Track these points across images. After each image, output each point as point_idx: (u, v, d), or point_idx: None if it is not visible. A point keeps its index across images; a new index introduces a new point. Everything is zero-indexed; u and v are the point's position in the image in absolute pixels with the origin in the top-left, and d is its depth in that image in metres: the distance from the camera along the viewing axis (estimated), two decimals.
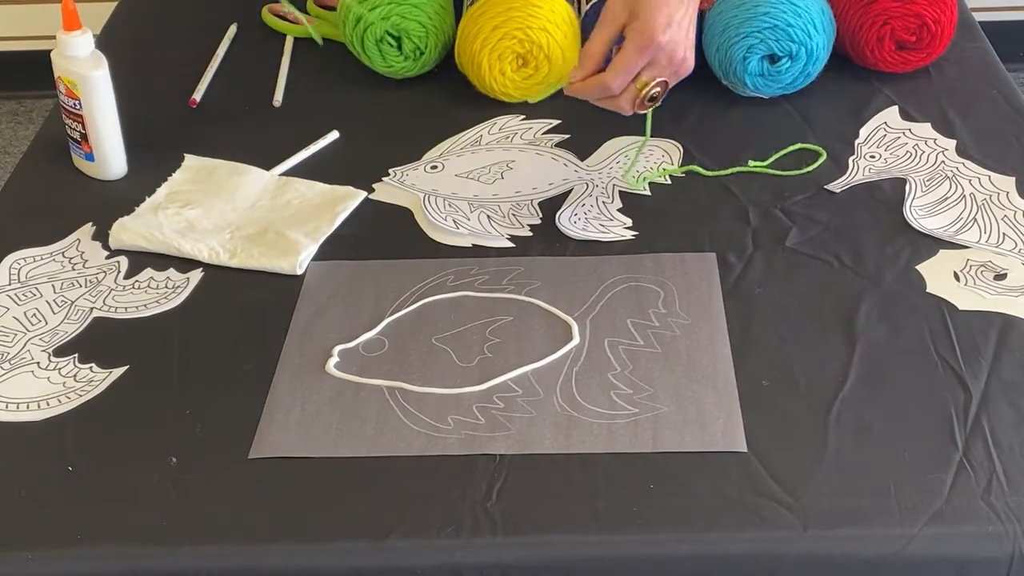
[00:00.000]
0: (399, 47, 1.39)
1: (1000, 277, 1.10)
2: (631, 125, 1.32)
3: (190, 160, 1.28)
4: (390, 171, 1.27)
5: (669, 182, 1.23)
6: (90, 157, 1.27)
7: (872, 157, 1.27)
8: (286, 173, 1.27)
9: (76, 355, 1.05)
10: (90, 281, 1.14)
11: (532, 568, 0.88)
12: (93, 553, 0.88)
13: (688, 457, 0.93)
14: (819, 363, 1.01)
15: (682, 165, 1.26)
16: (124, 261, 1.16)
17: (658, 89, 1.12)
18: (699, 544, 0.88)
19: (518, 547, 0.88)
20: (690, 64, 1.13)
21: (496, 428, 0.96)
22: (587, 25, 1.38)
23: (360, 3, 1.37)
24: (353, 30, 1.39)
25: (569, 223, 1.18)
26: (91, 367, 1.04)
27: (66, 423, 0.99)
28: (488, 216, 1.20)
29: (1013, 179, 1.23)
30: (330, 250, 1.17)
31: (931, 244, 1.14)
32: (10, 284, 1.13)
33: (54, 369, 1.04)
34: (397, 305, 1.09)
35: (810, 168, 1.25)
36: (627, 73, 1.10)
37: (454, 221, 1.19)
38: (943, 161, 1.26)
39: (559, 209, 1.20)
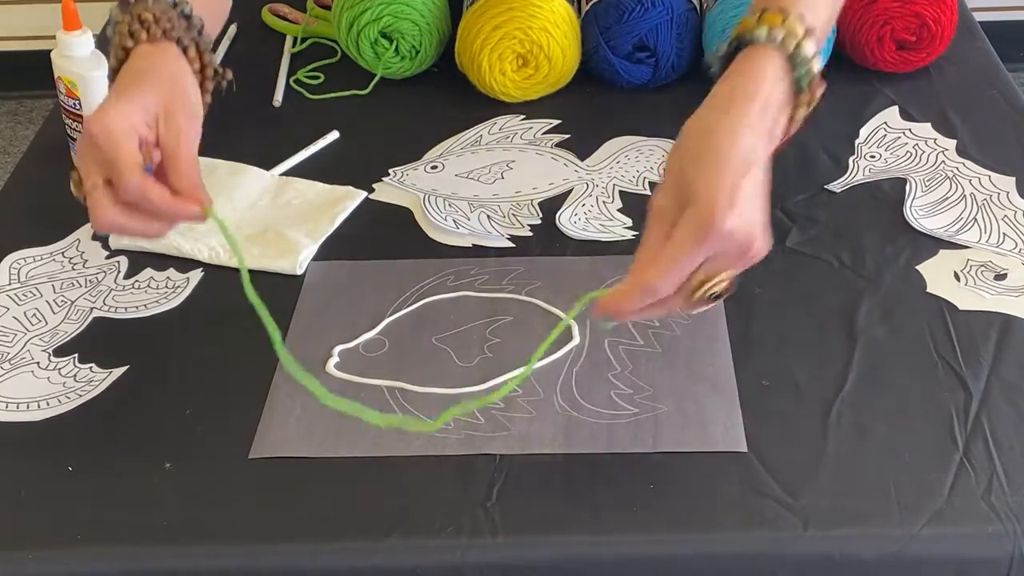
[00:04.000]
0: (395, 48, 1.39)
1: (1000, 277, 1.10)
2: (632, 126, 1.32)
3: None
4: (390, 171, 1.27)
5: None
6: None
7: (872, 157, 1.27)
8: (286, 173, 1.27)
9: (76, 355, 1.05)
10: (90, 281, 1.14)
11: (532, 568, 0.88)
12: (93, 553, 0.88)
13: (688, 457, 0.93)
14: (819, 363, 1.01)
15: None
16: (124, 261, 1.16)
17: (724, 285, 0.85)
18: (699, 544, 0.88)
19: (518, 547, 0.87)
20: (764, 247, 0.85)
21: (496, 428, 0.96)
22: (587, 25, 1.39)
23: (350, 8, 1.37)
24: (347, 34, 1.39)
25: (569, 223, 1.18)
26: (91, 367, 1.04)
27: (66, 423, 0.99)
28: (488, 216, 1.20)
29: (1013, 179, 1.23)
30: (330, 250, 1.17)
31: (931, 244, 1.14)
32: (10, 284, 1.13)
33: (54, 369, 1.04)
34: (397, 305, 1.09)
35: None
36: (681, 272, 0.84)
37: (454, 221, 1.19)
38: (943, 161, 1.26)
39: (559, 209, 1.20)
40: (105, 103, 0.93)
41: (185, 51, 0.98)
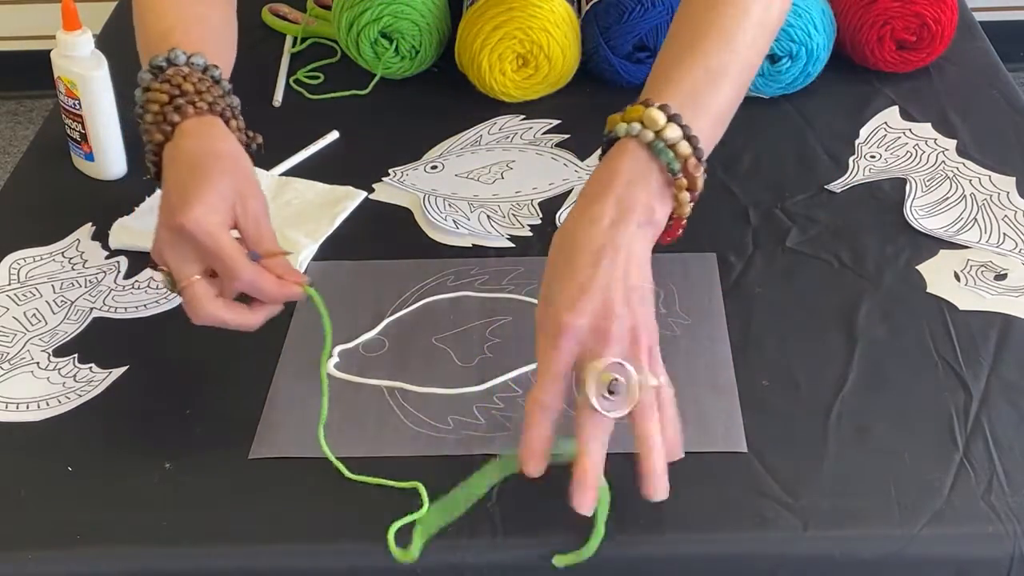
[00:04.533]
0: (395, 48, 1.39)
1: (1000, 277, 1.10)
2: None
3: None
4: (390, 171, 1.27)
5: None
6: (90, 157, 1.27)
7: (872, 157, 1.27)
8: (286, 173, 1.27)
9: (76, 355, 1.05)
10: (90, 281, 1.14)
11: (532, 568, 0.87)
12: (93, 553, 0.88)
13: (688, 457, 0.93)
14: (819, 363, 1.01)
15: None
16: (124, 261, 1.16)
17: (616, 376, 0.84)
18: (699, 544, 0.88)
19: (518, 547, 0.87)
20: (645, 324, 0.87)
21: (496, 428, 0.96)
22: (587, 25, 1.39)
23: (350, 8, 1.38)
24: (347, 34, 1.39)
25: None
26: (91, 367, 1.04)
27: (66, 423, 0.99)
28: (488, 216, 1.20)
29: (1013, 179, 1.23)
30: (330, 250, 1.17)
31: (931, 244, 1.14)
32: (10, 284, 1.13)
33: (54, 369, 1.04)
34: (397, 305, 1.09)
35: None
36: (554, 375, 0.85)
37: (454, 221, 1.19)
38: (943, 161, 1.26)
39: (559, 209, 1.20)
40: (185, 194, 0.92)
41: (227, 122, 1.00)
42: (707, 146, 0.95)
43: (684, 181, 0.92)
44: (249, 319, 0.95)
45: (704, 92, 0.95)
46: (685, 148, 0.92)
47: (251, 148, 1.03)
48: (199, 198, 0.91)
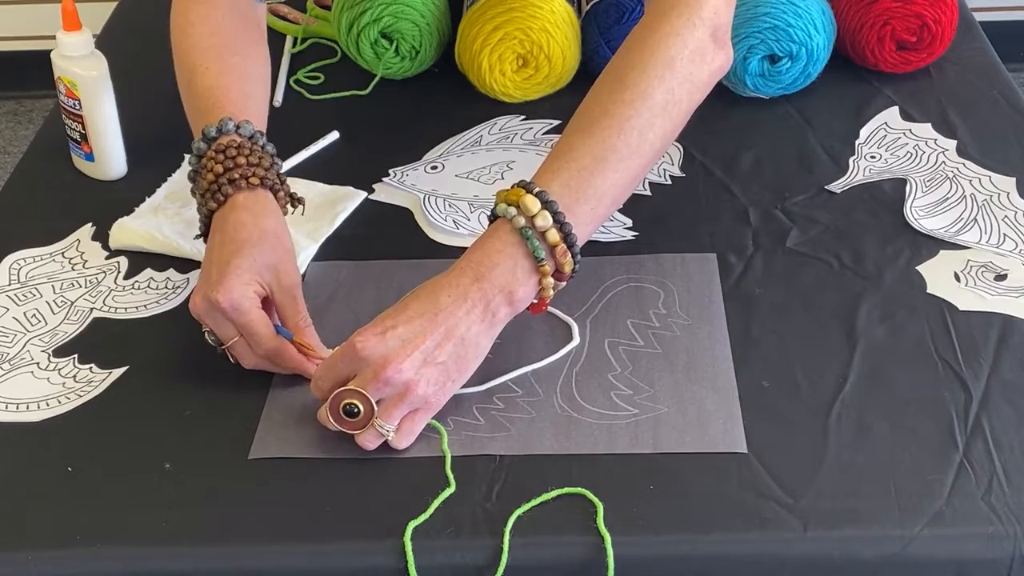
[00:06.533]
0: (395, 49, 1.39)
1: (1000, 278, 1.10)
2: None
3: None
4: (390, 171, 1.27)
5: None
6: (90, 157, 1.27)
7: (872, 157, 1.27)
8: (286, 173, 1.27)
9: (76, 355, 1.05)
10: (90, 281, 1.14)
11: (532, 568, 0.87)
12: (93, 553, 0.88)
13: (688, 457, 0.93)
14: (819, 363, 1.01)
15: (682, 165, 1.26)
16: (124, 261, 1.16)
17: (355, 402, 0.91)
18: (699, 544, 0.88)
19: (518, 547, 0.87)
20: (421, 395, 0.92)
21: (496, 429, 0.96)
22: (587, 25, 1.39)
23: (350, 8, 1.38)
24: (347, 35, 1.39)
25: None
26: (91, 367, 1.04)
27: (66, 423, 0.99)
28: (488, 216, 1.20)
29: (1013, 179, 1.23)
30: (330, 250, 1.17)
31: (931, 244, 1.14)
32: (10, 284, 1.13)
33: (54, 369, 1.04)
34: None
35: None
36: (326, 373, 0.94)
37: (454, 221, 1.19)
38: (943, 161, 1.26)
39: None
40: (224, 269, 0.98)
41: (275, 193, 1.06)
42: (586, 230, 0.99)
43: (549, 267, 0.96)
44: (287, 369, 1.01)
45: (589, 177, 0.98)
46: (554, 236, 0.96)
47: (295, 206, 1.09)
48: (236, 273, 0.98)
